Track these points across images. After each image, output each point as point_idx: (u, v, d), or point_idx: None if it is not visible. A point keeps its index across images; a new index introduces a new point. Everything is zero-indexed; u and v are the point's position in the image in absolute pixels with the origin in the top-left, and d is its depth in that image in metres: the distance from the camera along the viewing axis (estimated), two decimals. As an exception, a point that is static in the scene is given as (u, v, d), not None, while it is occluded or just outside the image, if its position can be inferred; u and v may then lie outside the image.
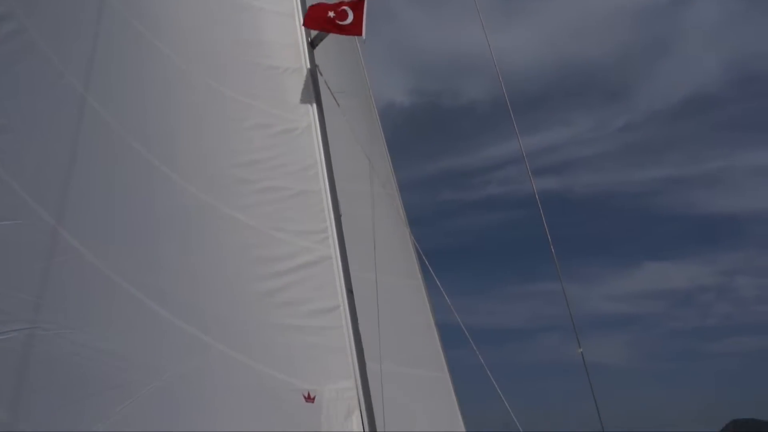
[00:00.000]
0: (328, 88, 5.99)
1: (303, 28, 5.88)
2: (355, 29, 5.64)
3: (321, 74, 5.92)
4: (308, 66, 5.83)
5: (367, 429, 4.84)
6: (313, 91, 5.76)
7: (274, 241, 5.08)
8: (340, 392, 4.87)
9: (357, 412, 4.87)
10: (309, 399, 4.76)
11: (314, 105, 5.67)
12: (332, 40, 5.96)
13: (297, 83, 5.86)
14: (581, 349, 6.51)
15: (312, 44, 5.92)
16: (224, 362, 4.44)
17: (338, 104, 6.15)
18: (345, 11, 5.64)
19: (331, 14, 5.64)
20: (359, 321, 5.13)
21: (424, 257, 8.90)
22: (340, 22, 5.63)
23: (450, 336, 9.55)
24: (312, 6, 5.80)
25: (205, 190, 4.97)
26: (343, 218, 5.39)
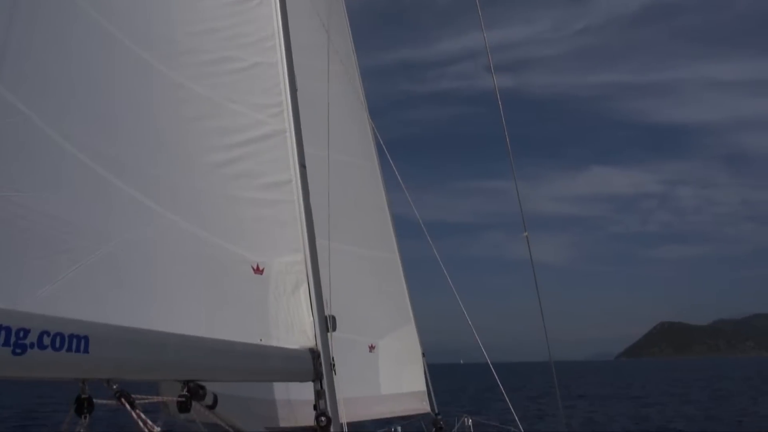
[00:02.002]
0: None
1: None
2: None
3: None
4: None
5: (314, 302, 4.93)
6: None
7: (228, 112, 5.01)
8: (289, 265, 4.93)
9: (305, 286, 4.95)
10: (257, 271, 4.81)
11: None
12: None
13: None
14: (527, 233, 6.67)
15: None
16: (173, 231, 4.44)
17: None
18: None
19: None
20: (312, 197, 5.15)
21: (380, 139, 8.93)
22: None
23: (397, 226, 9.73)
24: None
25: (157, 57, 4.82)
26: (299, 93, 5.31)
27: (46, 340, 2.93)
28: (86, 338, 3.10)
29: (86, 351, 3.10)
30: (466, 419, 9.98)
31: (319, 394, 4.91)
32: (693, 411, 38.26)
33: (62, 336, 3.00)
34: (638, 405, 44.50)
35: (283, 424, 6.79)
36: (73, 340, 3.05)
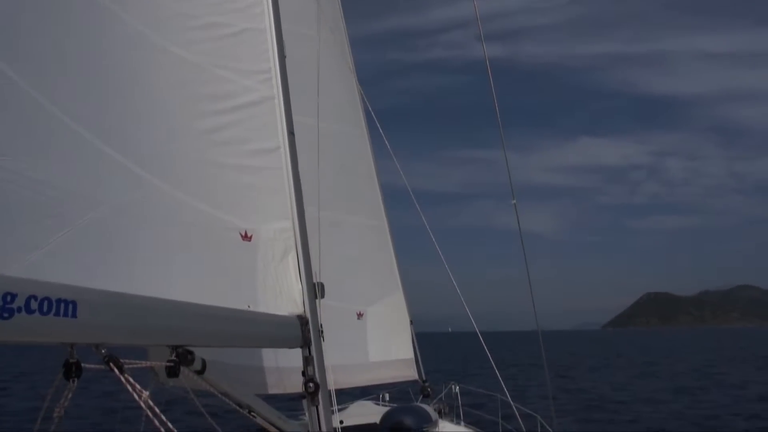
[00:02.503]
0: None
1: None
2: None
3: None
4: None
5: (302, 269, 4.95)
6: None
7: (215, 78, 4.97)
8: (278, 232, 4.94)
9: (293, 253, 4.96)
10: (246, 237, 4.82)
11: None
12: None
13: None
14: (515, 201, 6.69)
15: None
16: (161, 197, 4.43)
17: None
18: None
19: None
20: (300, 164, 5.14)
21: (368, 105, 8.89)
22: None
23: (385, 194, 9.74)
24: None
25: (144, 22, 4.77)
26: (287, 60, 5.28)
27: (34, 305, 2.92)
28: (74, 303, 3.10)
29: (74, 316, 3.10)
30: (453, 386, 10.09)
31: (307, 361, 4.95)
32: (677, 380, 38.77)
33: (50, 300, 3.00)
34: (622, 374, 45.04)
35: (272, 390, 6.84)
36: (61, 304, 3.05)
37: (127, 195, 4.26)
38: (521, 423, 7.94)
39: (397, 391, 10.23)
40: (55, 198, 3.85)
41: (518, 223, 6.81)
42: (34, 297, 2.94)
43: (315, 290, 5.06)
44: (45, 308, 2.98)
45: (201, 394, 4.33)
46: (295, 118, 5.20)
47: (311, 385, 4.88)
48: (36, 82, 3.90)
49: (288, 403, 6.90)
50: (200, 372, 4.13)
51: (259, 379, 6.77)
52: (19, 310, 2.86)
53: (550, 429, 7.58)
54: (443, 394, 10.13)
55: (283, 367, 6.68)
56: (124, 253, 4.17)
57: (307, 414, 5.14)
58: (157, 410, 3.58)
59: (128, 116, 4.47)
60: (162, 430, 3.55)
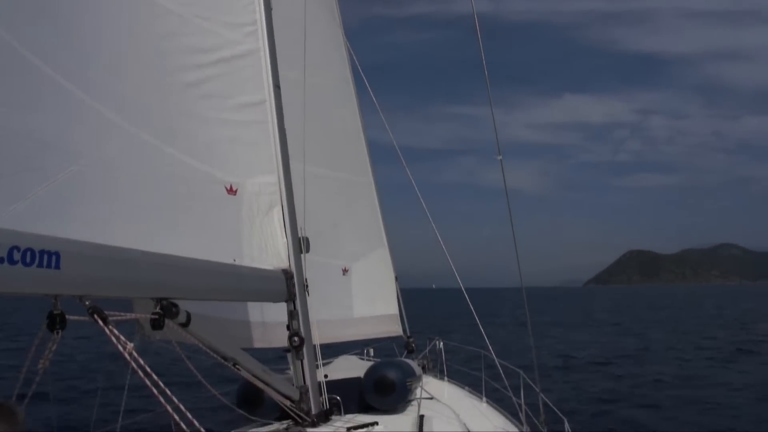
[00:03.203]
0: None
1: None
2: None
3: None
4: None
5: (287, 223, 4.94)
6: None
7: (200, 30, 4.89)
8: (263, 186, 4.91)
9: (278, 207, 4.95)
10: (231, 191, 4.79)
11: None
12: None
13: None
14: (500, 156, 6.69)
15: None
16: (145, 150, 4.38)
17: None
18: None
19: None
20: (286, 119, 5.09)
21: (356, 61, 8.81)
22: None
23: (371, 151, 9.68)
24: None
25: None
26: (273, 13, 5.20)
27: (16, 256, 2.90)
28: (57, 254, 3.08)
29: (57, 267, 3.08)
30: (437, 342, 10.15)
31: (292, 315, 4.97)
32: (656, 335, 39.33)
33: (33, 252, 2.98)
34: (600, 331, 45.65)
35: (257, 345, 6.87)
36: (44, 255, 3.03)
37: (111, 147, 4.22)
38: (505, 379, 8.03)
39: (382, 347, 10.30)
40: (38, 150, 3.80)
41: (503, 178, 6.82)
42: (17, 248, 2.91)
43: (300, 245, 5.06)
44: (28, 259, 2.96)
45: (186, 347, 4.33)
46: (280, 72, 5.14)
47: (296, 339, 4.90)
48: (19, 34, 3.83)
49: (273, 357, 6.94)
50: (185, 325, 4.13)
51: (245, 333, 6.79)
52: (1, 260, 2.84)
53: (533, 385, 7.67)
54: (427, 349, 10.20)
55: (268, 322, 6.70)
56: (108, 206, 4.14)
57: (291, 368, 5.17)
58: (141, 361, 3.58)
59: (111, 68, 4.39)
60: (147, 381, 3.56)
